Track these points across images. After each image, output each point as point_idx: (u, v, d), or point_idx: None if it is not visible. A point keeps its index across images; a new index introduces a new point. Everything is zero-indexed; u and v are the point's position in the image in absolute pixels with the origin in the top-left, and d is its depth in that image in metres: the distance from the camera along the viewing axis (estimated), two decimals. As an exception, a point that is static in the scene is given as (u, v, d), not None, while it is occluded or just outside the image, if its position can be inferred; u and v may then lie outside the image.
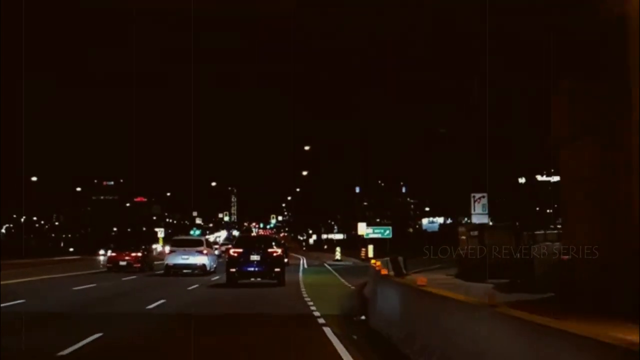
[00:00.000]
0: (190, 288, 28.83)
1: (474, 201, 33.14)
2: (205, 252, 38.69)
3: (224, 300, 23.99)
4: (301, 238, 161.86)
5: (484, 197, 33.28)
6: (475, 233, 34.92)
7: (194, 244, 39.51)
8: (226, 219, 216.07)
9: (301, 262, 64.29)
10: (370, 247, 67.18)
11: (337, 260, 61.61)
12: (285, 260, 39.42)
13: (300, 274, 41.67)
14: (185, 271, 37.57)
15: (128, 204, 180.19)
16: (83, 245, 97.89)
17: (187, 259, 37.75)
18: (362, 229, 66.80)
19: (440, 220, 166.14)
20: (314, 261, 66.43)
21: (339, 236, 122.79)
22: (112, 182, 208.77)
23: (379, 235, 68.61)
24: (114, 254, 41.81)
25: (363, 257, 65.98)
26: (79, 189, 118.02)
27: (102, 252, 72.02)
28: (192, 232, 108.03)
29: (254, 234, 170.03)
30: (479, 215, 33.11)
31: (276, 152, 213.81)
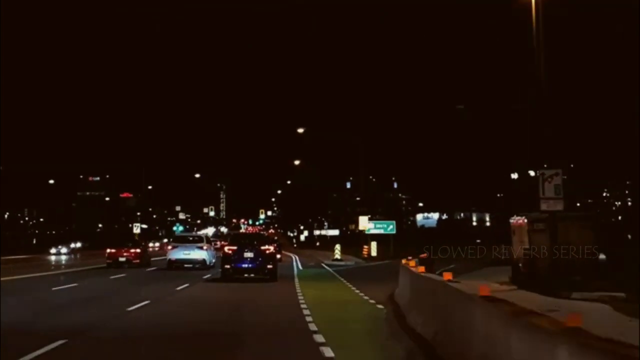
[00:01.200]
0: (132, 308, 18.21)
1: (543, 180, 22.58)
2: (205, 247, 39.57)
3: (172, 343, 13.49)
4: (291, 234, 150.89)
5: (557, 174, 22.70)
6: (542, 226, 24.58)
7: (195, 240, 40.66)
8: (211, 214, 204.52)
9: (294, 261, 53.79)
10: (374, 244, 56.90)
11: (337, 259, 50.98)
12: (278, 256, 38.13)
13: (297, 280, 31.13)
14: (186, 265, 37.91)
15: (108, 199, 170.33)
16: (67, 242, 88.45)
17: (189, 254, 38.52)
18: (364, 223, 56.25)
19: (436, 215, 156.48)
20: (309, 260, 55.86)
21: (334, 232, 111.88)
22: (98, 178, 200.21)
23: (382, 231, 58.40)
24: (113, 250, 41.08)
25: (365, 255, 55.57)
26: (51, 181, 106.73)
27: (53, 250, 62.20)
28: (174, 229, 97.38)
29: (242, 230, 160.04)
30: (551, 201, 22.54)
31: (266, 144, 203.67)
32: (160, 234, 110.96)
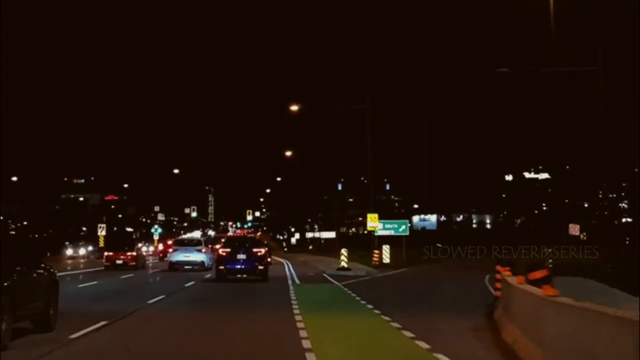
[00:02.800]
0: None
1: None
2: (203, 250, 40.56)
3: None
4: (281, 237, 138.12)
5: None
6: None
7: (194, 244, 42.17)
8: (194, 214, 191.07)
9: (287, 270, 41.46)
10: (386, 249, 44.63)
11: (344, 268, 38.34)
12: (268, 259, 36.55)
13: (296, 307, 18.54)
14: (186, 267, 38.76)
15: (82, 199, 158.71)
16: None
17: (188, 256, 39.55)
18: (373, 222, 43.72)
19: (433, 217, 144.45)
20: (306, 269, 43.28)
21: (329, 234, 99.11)
22: (82, 180, 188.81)
23: (392, 232, 46.24)
24: (110, 254, 42.42)
25: (376, 262, 43.06)
26: (14, 178, 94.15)
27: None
28: (152, 231, 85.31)
29: (230, 233, 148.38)
30: None
31: (258, 142, 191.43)
32: (134, 236, 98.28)
